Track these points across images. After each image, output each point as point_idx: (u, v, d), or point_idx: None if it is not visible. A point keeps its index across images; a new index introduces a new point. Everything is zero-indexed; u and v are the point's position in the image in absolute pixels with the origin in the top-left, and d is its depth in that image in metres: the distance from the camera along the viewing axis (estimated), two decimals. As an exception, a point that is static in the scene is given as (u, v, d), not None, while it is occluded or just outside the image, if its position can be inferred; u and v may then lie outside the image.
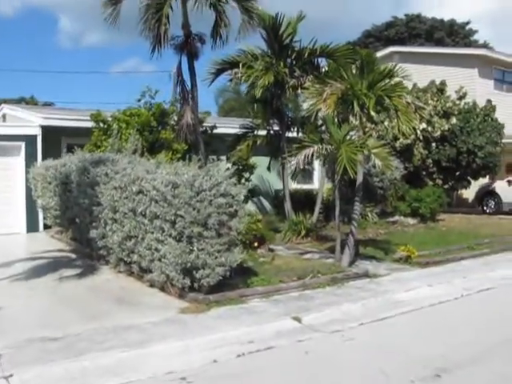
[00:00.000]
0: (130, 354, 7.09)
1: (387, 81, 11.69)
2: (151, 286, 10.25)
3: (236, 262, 9.43)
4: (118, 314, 8.77)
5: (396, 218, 18.86)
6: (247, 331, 8.01)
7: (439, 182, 20.17)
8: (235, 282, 10.05)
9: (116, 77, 71.02)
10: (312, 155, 10.91)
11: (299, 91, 13.73)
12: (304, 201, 19.36)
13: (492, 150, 19.38)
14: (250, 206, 20.09)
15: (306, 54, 14.69)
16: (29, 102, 32.97)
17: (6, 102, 25.19)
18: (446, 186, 20.42)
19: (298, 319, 8.54)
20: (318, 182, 21.02)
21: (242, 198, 9.60)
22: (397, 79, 11.99)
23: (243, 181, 14.26)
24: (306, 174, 21.36)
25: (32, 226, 16.19)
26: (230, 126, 17.28)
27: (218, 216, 9.19)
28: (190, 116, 11.17)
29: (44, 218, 15.78)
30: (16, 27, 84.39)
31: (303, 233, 15.11)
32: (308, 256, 13.37)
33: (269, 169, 17.51)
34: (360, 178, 12.04)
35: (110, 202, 10.69)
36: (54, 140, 16.60)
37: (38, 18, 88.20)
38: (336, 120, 11.94)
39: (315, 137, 11.71)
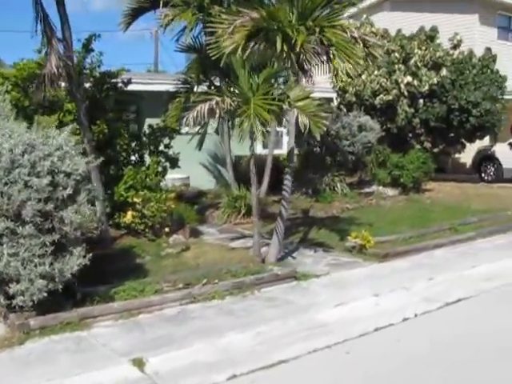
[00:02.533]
0: None
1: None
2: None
3: (71, 270, 6.05)
4: None
5: (373, 188, 15.21)
6: (39, 394, 4.70)
7: (428, 145, 16.39)
8: (93, 291, 6.75)
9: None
10: (212, 112, 7.34)
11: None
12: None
13: (490, 107, 15.49)
14: (207, 176, 16.71)
15: (244, -14, 10.91)
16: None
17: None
18: (435, 150, 16.66)
19: (140, 363, 5.21)
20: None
21: (81, 174, 6.14)
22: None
23: (162, 148, 10.82)
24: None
25: None
26: (156, 83, 13.60)
27: (38, 204, 5.80)
28: (55, 63, 7.70)
29: None
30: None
31: (244, 210, 11.62)
32: (238, 243, 9.92)
33: (217, 132, 13.95)
34: (291, 143, 8.48)
35: None
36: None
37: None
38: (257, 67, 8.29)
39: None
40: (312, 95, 7.68)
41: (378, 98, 15.68)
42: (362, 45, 7.81)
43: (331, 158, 14.41)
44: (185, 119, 7.34)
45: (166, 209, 9.62)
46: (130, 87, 12.11)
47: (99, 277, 7.37)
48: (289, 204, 8.63)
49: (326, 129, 7.35)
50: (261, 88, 7.42)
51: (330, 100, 18.46)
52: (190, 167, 15.55)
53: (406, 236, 10.25)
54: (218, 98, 7.34)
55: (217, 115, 7.42)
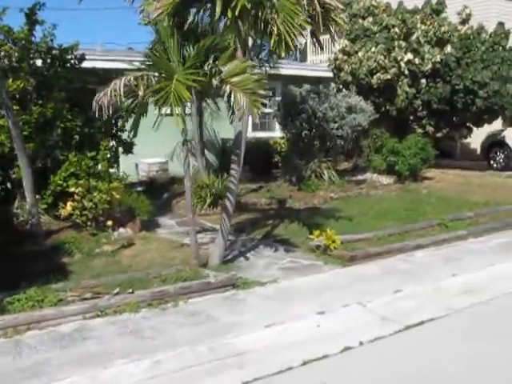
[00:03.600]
0: None
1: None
2: None
3: None
4: None
5: (367, 175, 13.78)
6: None
7: (430, 129, 14.82)
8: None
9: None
10: (130, 89, 6.03)
11: None
12: (256, 153, 14.50)
13: (499, 87, 13.82)
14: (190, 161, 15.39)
15: None
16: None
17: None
18: (439, 135, 15.07)
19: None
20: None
21: None
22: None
23: (115, 131, 9.58)
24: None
25: None
26: (124, 60, 12.11)
27: None
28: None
29: None
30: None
31: (209, 201, 10.37)
32: (201, 237, 8.67)
33: (199, 113, 12.66)
34: (239, 126, 7.14)
35: None
36: None
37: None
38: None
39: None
40: (255, 71, 6.30)
41: (375, 77, 14.11)
42: (319, 8, 6.38)
43: (320, 142, 13.01)
44: (95, 99, 6.05)
45: (110, 200, 8.42)
46: (95, 65, 10.84)
47: (6, 281, 6.26)
48: (235, 196, 7.31)
49: (262, 109, 5.97)
50: (191, 61, 6.07)
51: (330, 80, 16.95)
52: (171, 151, 14.29)
53: (385, 233, 8.86)
54: (138, 73, 6.03)
55: (140, 93, 6.11)
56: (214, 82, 6.02)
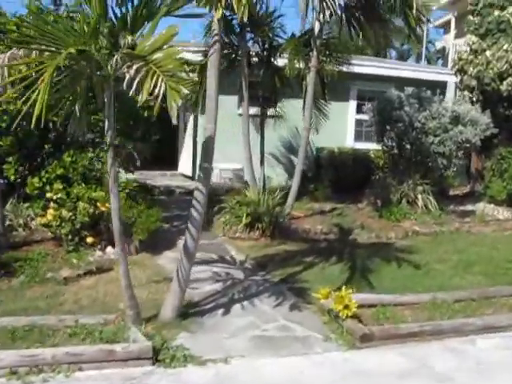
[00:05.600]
0: None
1: None
2: None
3: None
4: None
5: (479, 206, 10.50)
6: None
7: None
8: None
9: None
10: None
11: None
12: (352, 167, 12.00)
13: None
14: (276, 168, 13.25)
15: None
16: None
17: None
18: None
19: None
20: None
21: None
22: None
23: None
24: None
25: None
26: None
27: None
28: None
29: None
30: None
31: (245, 221, 8.19)
32: (196, 270, 6.62)
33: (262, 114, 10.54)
34: (211, 131, 4.89)
35: None
36: None
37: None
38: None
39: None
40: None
41: (505, 83, 10.73)
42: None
43: (419, 159, 10.09)
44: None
45: (93, 211, 6.68)
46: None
47: None
48: (199, 229, 5.08)
49: (179, 101, 3.64)
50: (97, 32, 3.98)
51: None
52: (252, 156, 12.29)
53: (452, 297, 5.98)
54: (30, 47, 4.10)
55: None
56: (116, 56, 3.85)
